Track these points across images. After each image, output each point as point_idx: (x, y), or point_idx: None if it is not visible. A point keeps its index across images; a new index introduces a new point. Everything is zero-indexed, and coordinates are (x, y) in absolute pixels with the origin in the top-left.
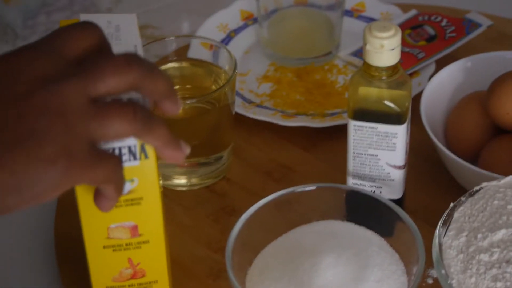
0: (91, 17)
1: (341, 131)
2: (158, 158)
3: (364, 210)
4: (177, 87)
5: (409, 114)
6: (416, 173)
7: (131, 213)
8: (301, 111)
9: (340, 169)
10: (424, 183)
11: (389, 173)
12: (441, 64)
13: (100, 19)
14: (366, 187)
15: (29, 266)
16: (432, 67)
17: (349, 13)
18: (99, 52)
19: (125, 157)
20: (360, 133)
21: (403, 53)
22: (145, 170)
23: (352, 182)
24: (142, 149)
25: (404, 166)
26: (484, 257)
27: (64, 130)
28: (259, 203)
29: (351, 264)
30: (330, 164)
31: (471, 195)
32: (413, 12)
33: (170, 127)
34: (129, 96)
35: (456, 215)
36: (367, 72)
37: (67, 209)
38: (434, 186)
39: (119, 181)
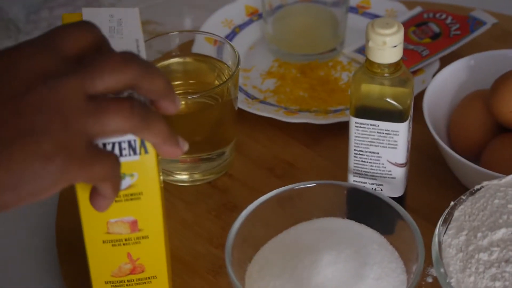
0: (94, 11)
1: (344, 128)
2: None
3: (365, 208)
4: (180, 82)
5: (411, 111)
6: (418, 171)
7: (131, 208)
8: (304, 108)
9: (342, 166)
10: (426, 181)
11: (390, 170)
12: (445, 62)
13: (102, 13)
14: (367, 184)
15: (30, 261)
16: (436, 65)
17: (354, 10)
18: (97, 51)
19: (125, 152)
20: (361, 131)
21: (407, 50)
22: (145, 165)
23: (353, 180)
24: (142, 143)
25: (405, 164)
26: (484, 256)
27: (62, 127)
28: (260, 200)
29: (350, 262)
30: (333, 161)
31: (472, 193)
32: (418, 9)
33: (173, 122)
34: (128, 93)
35: (456, 213)
36: (370, 69)
37: (68, 205)
38: (436, 184)
39: (116, 179)
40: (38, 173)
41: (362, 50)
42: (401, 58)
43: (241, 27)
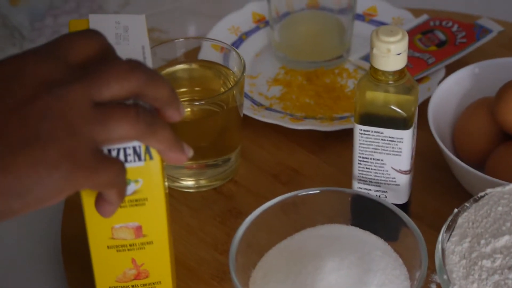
0: (100, 17)
1: (349, 135)
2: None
3: (369, 215)
4: (186, 89)
5: (415, 119)
6: (423, 178)
7: (136, 213)
8: (310, 115)
9: (347, 173)
10: (430, 188)
11: (394, 178)
12: (451, 70)
13: (109, 20)
14: (371, 191)
15: (36, 266)
16: (442, 72)
17: (360, 17)
18: (103, 59)
19: (130, 158)
20: (366, 138)
21: (413, 57)
22: (150, 171)
23: (357, 186)
24: (147, 150)
25: (409, 171)
26: (487, 263)
27: (68, 134)
28: (264, 206)
29: (354, 268)
30: (338, 168)
31: (476, 201)
32: (424, 17)
33: (178, 128)
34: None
35: (460, 220)
36: (374, 77)
37: (74, 210)
38: (440, 191)
39: (121, 186)
40: (44, 180)
41: (368, 57)
42: (406, 66)
43: (247, 34)
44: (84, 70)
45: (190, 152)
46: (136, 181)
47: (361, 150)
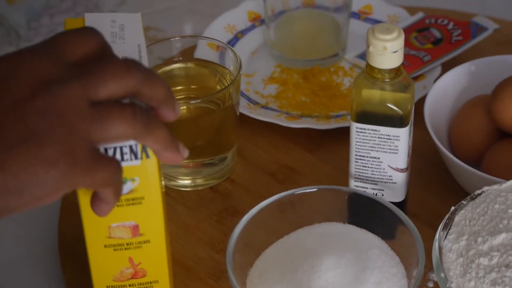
0: (96, 16)
1: (345, 133)
2: None
3: (366, 213)
4: (182, 87)
5: (411, 117)
6: (419, 176)
7: (132, 212)
8: (306, 113)
9: (344, 171)
10: (427, 186)
11: (391, 176)
12: (446, 67)
13: (105, 18)
14: (368, 189)
15: (33, 266)
16: (438, 70)
17: (356, 15)
18: (100, 57)
19: (126, 157)
20: (362, 136)
21: (409, 55)
22: (147, 169)
23: (354, 185)
24: (144, 148)
25: (406, 169)
26: (484, 261)
27: (65, 133)
28: (261, 205)
29: (351, 266)
30: (334, 166)
31: (472, 198)
32: (420, 15)
33: (175, 127)
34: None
35: (457, 218)
36: (370, 75)
37: (71, 210)
38: (436, 189)
39: (117, 185)
40: (41, 178)
41: (364, 55)
42: (402, 64)
43: (243, 32)
44: (81, 69)
45: (186, 153)
46: (133, 180)
47: (358, 148)
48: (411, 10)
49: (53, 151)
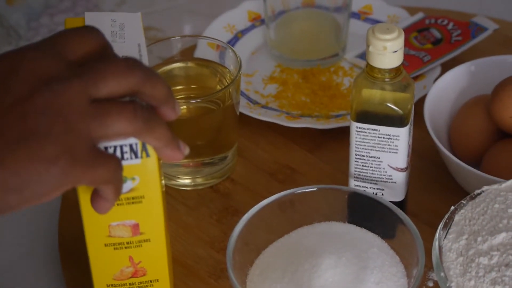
0: (96, 15)
1: (345, 133)
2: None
3: (366, 212)
4: (182, 86)
5: (411, 116)
6: (419, 175)
7: (132, 211)
8: (306, 113)
9: (344, 171)
10: (426, 186)
11: (391, 175)
12: (446, 68)
13: (105, 18)
14: (368, 189)
15: (33, 265)
16: (438, 70)
17: (356, 15)
18: (101, 56)
19: (126, 155)
20: (362, 135)
21: (408, 55)
22: (147, 168)
23: (354, 184)
24: (144, 147)
25: (406, 169)
26: (484, 260)
27: (65, 130)
28: (261, 204)
29: (351, 266)
30: (334, 165)
31: (472, 198)
32: (420, 15)
33: (175, 126)
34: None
35: (456, 218)
36: (370, 74)
37: (71, 209)
38: (436, 189)
39: (118, 182)
40: (41, 175)
41: (364, 55)
42: (402, 63)
43: (243, 32)
44: (82, 67)
45: (186, 150)
46: (133, 179)
47: (358, 148)
48: (411, 10)
49: (53, 149)
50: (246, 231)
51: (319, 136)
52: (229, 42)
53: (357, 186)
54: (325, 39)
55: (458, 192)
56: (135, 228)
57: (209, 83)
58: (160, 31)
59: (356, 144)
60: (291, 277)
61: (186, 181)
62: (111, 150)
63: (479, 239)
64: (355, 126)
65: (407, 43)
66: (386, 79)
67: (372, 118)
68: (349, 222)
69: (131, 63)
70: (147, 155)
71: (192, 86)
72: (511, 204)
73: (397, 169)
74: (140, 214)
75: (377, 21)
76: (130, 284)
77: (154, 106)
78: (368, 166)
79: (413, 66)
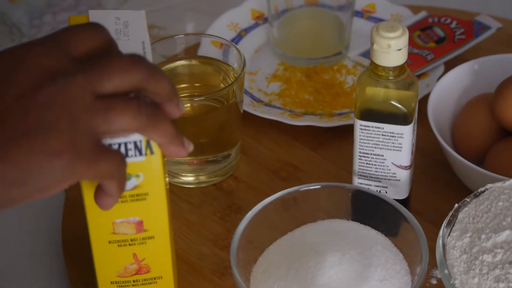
0: (100, 13)
1: (348, 131)
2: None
3: (369, 210)
4: (186, 84)
5: (415, 114)
6: (423, 173)
7: (137, 208)
8: (309, 111)
9: (347, 169)
10: (430, 184)
11: (394, 173)
12: (449, 66)
13: (109, 15)
14: (372, 187)
15: (36, 262)
16: (441, 69)
17: (359, 14)
18: (105, 52)
19: (130, 153)
20: (366, 133)
21: (412, 54)
22: (151, 165)
23: (358, 182)
24: (148, 144)
25: (410, 167)
26: (487, 258)
27: (70, 124)
28: (265, 201)
29: (354, 263)
30: (337, 163)
31: (476, 196)
32: (423, 13)
33: (179, 124)
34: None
35: (460, 215)
36: (374, 72)
37: (74, 206)
38: (440, 187)
39: (121, 178)
40: (45, 169)
41: (368, 54)
42: (406, 62)
43: (246, 30)
44: (87, 63)
45: (191, 147)
46: (137, 176)
47: (362, 146)
48: (414, 9)
49: (57, 143)
50: (250, 228)
51: (322, 134)
52: (232, 41)
53: (361, 184)
54: (328, 38)
55: (461, 190)
56: (139, 225)
57: (213, 81)
58: (163, 29)
59: (360, 142)
60: (295, 275)
61: (190, 178)
62: (115, 147)
63: (483, 236)
64: (359, 124)
65: (410, 42)
66: (390, 77)
67: (376, 116)
68: (352, 220)
69: (136, 60)
70: (151, 152)
71: (196, 84)
72: None
73: (401, 167)
74: (144, 211)
75: (380, 20)
76: (134, 281)
77: (158, 103)
78: (372, 164)
79: (416, 64)
